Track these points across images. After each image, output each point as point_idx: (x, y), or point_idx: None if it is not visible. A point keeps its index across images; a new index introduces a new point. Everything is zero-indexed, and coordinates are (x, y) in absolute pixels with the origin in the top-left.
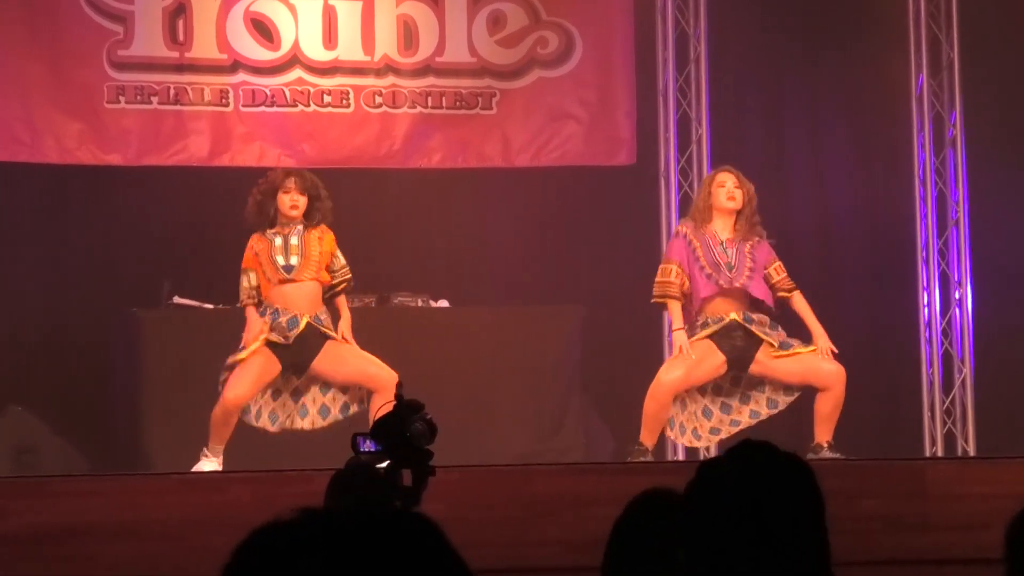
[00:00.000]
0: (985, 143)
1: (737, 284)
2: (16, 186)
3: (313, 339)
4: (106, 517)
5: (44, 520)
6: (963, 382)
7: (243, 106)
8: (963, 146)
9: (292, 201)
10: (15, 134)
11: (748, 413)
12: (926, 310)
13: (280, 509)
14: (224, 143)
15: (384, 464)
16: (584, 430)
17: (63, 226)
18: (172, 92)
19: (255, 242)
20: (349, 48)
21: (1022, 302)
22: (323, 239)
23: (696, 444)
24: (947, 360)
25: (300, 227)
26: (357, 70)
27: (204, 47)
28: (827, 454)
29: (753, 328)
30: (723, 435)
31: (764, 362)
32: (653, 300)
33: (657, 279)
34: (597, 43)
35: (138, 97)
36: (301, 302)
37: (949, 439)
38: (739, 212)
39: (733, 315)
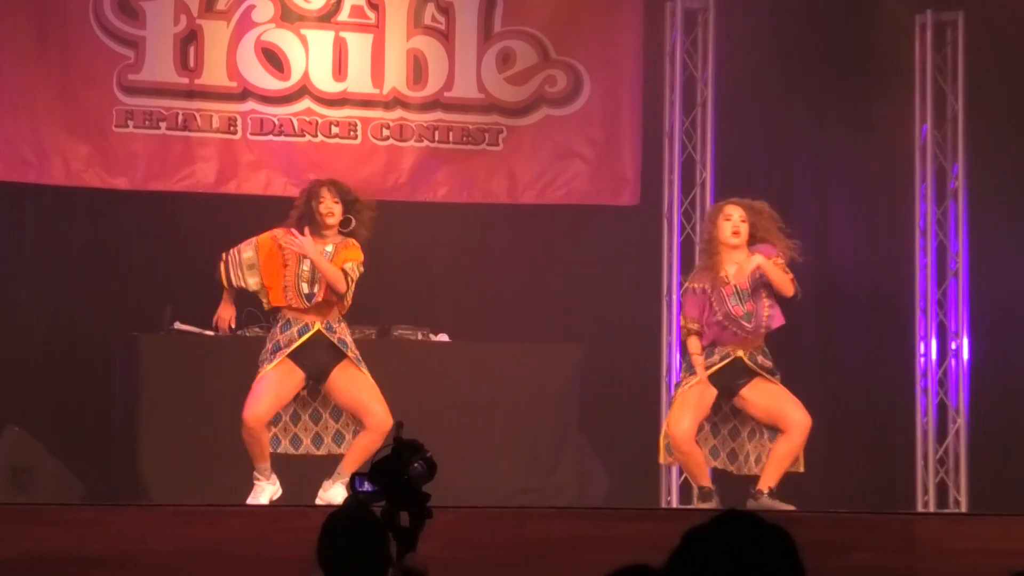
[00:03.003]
0: (987, 196)
1: (761, 331)
2: (21, 207)
3: (326, 348)
4: (102, 546)
5: (40, 547)
6: (957, 432)
7: (251, 134)
8: (964, 198)
9: (328, 209)
10: (23, 155)
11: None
12: (922, 359)
13: (275, 543)
14: (231, 170)
15: (381, 505)
16: (580, 469)
17: (67, 249)
18: (181, 118)
19: (288, 245)
20: (358, 80)
21: (1018, 354)
22: (343, 252)
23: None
24: (942, 410)
25: (330, 248)
26: (366, 102)
27: (214, 74)
28: (766, 501)
29: (754, 367)
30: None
31: (745, 395)
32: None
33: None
34: (605, 83)
35: (147, 122)
36: (314, 314)
37: (941, 489)
38: (750, 239)
39: (740, 353)
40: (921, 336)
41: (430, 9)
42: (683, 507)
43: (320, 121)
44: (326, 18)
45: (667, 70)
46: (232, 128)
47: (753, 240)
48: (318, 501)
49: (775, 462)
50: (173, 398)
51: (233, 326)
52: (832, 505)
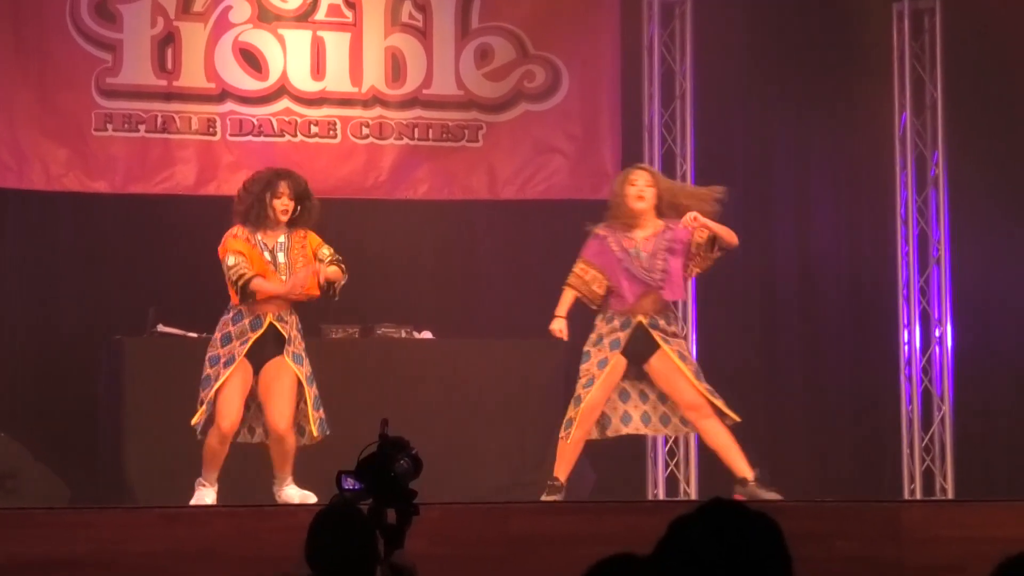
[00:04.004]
0: (967, 183)
1: (662, 288)
2: (3, 211)
3: (274, 339)
4: (89, 549)
5: (27, 551)
6: (942, 420)
7: (230, 135)
8: (945, 185)
9: (283, 206)
10: (2, 160)
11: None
12: (906, 348)
13: (263, 543)
14: (211, 172)
15: (368, 503)
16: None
17: (48, 253)
18: (160, 120)
19: (241, 243)
20: (337, 79)
21: (1001, 340)
22: (305, 245)
23: (645, 430)
24: (926, 398)
25: (284, 237)
26: (344, 101)
27: (192, 76)
28: (754, 489)
29: (655, 334)
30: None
31: (654, 364)
32: (572, 291)
33: (578, 272)
34: (584, 78)
35: (126, 125)
36: (268, 305)
37: (928, 476)
38: (655, 207)
39: (640, 318)
40: (904, 324)
41: (407, 7)
42: (669, 499)
43: (299, 121)
44: (303, 17)
45: (645, 63)
46: (211, 129)
47: (661, 205)
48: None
49: (723, 451)
50: (157, 400)
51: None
52: (817, 494)
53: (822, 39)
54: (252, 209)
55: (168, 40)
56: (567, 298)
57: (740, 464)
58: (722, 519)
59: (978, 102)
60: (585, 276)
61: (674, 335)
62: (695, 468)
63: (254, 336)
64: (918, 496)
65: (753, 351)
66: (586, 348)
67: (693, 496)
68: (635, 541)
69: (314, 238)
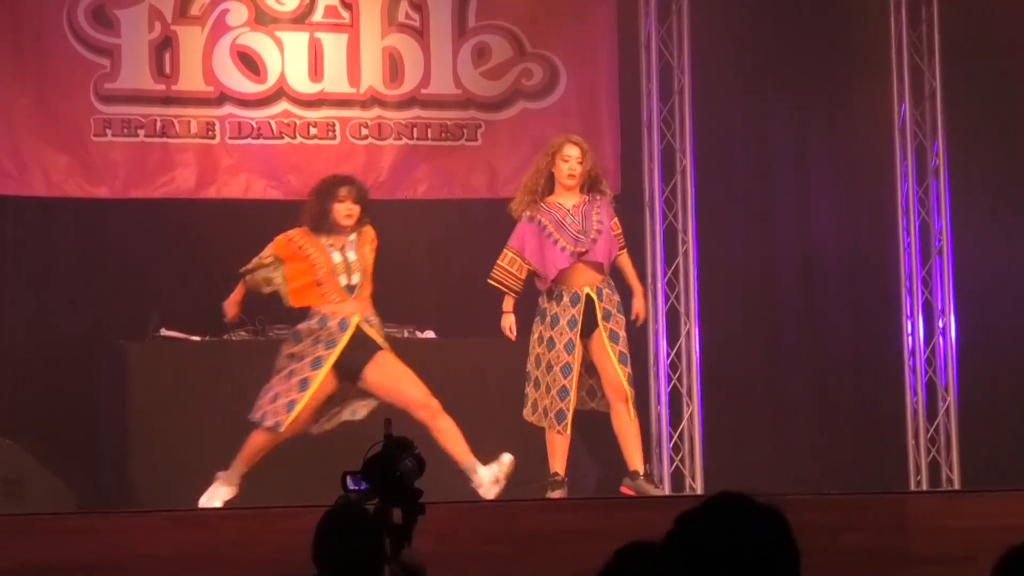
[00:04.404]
0: (968, 172)
1: (584, 248)
2: (3, 217)
3: (364, 343)
4: (95, 555)
5: (33, 557)
6: (947, 410)
7: (229, 138)
8: (946, 175)
9: (347, 210)
10: (2, 167)
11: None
12: (910, 339)
13: (268, 545)
14: (211, 175)
15: (374, 503)
16: (570, 460)
17: (49, 259)
18: (159, 125)
19: (307, 245)
20: (335, 80)
21: (1005, 330)
22: (374, 243)
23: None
24: (931, 389)
25: (352, 237)
26: (343, 102)
27: (190, 80)
28: (643, 484)
29: (598, 308)
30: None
31: (593, 339)
32: (490, 281)
33: (499, 262)
34: (582, 75)
35: (125, 130)
36: (351, 307)
37: (934, 468)
38: (584, 178)
39: (587, 290)
40: (907, 315)
41: (404, 7)
42: (674, 495)
43: (298, 123)
44: (300, 19)
45: (643, 59)
46: (210, 133)
47: (587, 179)
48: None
49: (625, 440)
50: (161, 404)
51: (236, 318)
52: (823, 486)
53: (819, 31)
54: (318, 215)
55: (166, 44)
56: (509, 301)
57: (635, 456)
58: (729, 513)
59: (977, 91)
60: (503, 262)
61: (615, 307)
62: (700, 463)
63: (343, 338)
64: (924, 487)
65: (756, 344)
66: (543, 332)
67: (699, 491)
68: (643, 536)
69: (373, 236)
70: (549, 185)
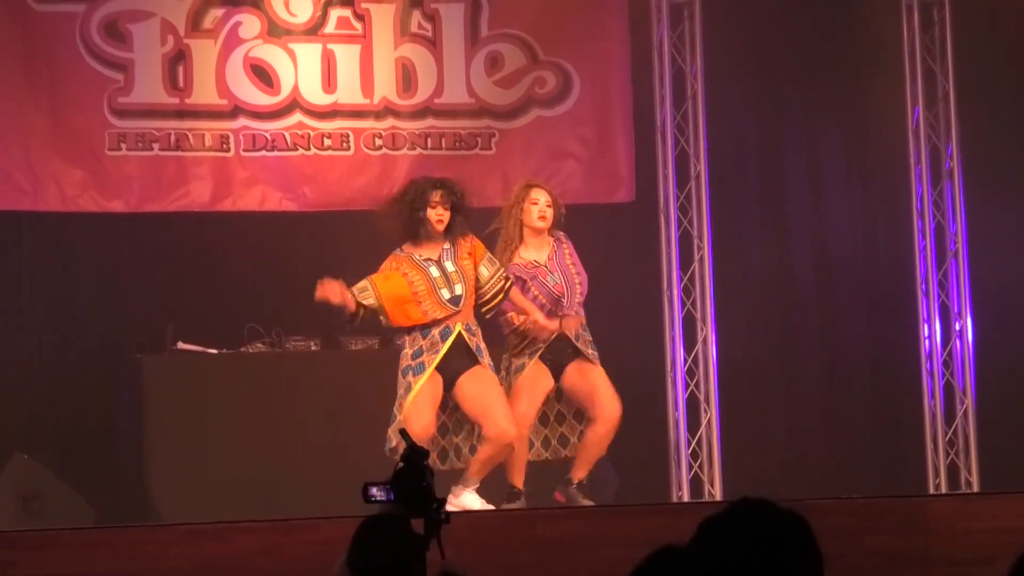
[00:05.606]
0: (982, 174)
1: (573, 312)
2: (19, 232)
3: (464, 352)
4: (114, 569)
5: (52, 572)
6: (965, 413)
7: (244, 151)
8: (960, 178)
9: (439, 216)
10: (17, 183)
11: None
12: (927, 342)
13: (286, 557)
14: (225, 188)
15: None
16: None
17: (65, 274)
18: (173, 138)
19: (406, 268)
20: (348, 91)
21: (1022, 331)
22: (473, 253)
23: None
24: (948, 391)
25: (448, 246)
26: (356, 113)
27: (204, 93)
28: (574, 492)
29: (579, 344)
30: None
31: (570, 374)
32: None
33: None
34: (595, 82)
35: (139, 144)
36: (455, 316)
37: (952, 471)
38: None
39: (566, 331)
40: (924, 318)
41: (416, 17)
42: (695, 501)
43: (312, 134)
44: (313, 31)
45: (656, 65)
46: (225, 146)
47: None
48: (450, 507)
49: (587, 453)
50: (178, 417)
51: (336, 301)
52: (841, 490)
53: (831, 35)
54: (409, 222)
55: (179, 58)
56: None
57: (581, 467)
58: (753, 518)
59: (990, 93)
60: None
61: (589, 346)
62: (719, 469)
63: (445, 345)
64: (943, 490)
65: (772, 348)
66: (513, 360)
67: (718, 497)
68: (661, 543)
69: (480, 248)
70: (520, 233)
